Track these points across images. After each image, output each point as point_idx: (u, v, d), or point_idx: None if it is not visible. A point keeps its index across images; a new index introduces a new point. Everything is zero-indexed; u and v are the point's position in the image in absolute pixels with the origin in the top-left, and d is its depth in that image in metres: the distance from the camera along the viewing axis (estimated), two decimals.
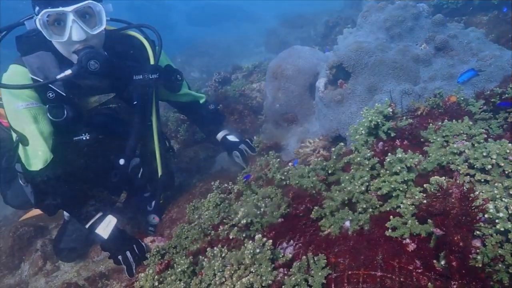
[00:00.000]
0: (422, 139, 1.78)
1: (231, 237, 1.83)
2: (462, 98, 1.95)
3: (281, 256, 1.55)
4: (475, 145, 1.57)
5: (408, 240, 1.35)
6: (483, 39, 2.56)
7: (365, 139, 1.85)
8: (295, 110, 3.09)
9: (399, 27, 2.62)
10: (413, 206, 1.42)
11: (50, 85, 2.31)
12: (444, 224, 1.24)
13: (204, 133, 3.52)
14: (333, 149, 1.95)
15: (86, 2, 2.12)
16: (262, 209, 1.82)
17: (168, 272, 1.89)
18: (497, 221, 1.23)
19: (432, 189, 1.45)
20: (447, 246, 1.23)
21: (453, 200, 1.28)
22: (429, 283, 1.19)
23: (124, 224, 3.25)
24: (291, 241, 1.64)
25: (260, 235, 1.60)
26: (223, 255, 1.71)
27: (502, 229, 1.21)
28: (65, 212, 3.10)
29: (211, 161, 3.96)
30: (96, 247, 3.25)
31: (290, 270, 1.44)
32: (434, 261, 1.26)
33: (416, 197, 1.45)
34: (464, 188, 1.31)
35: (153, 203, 2.99)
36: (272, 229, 1.75)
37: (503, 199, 1.30)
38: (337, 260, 1.38)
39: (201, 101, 3.23)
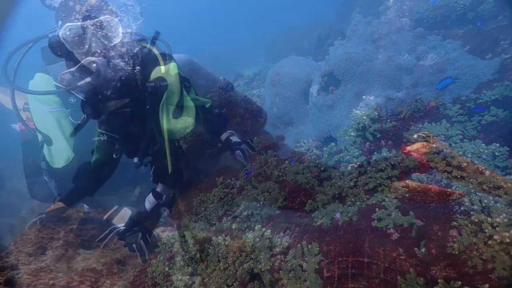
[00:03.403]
0: (404, 140, 1.78)
1: (233, 227, 1.84)
2: (440, 103, 1.95)
3: (278, 244, 1.55)
4: (452, 145, 1.57)
5: (392, 230, 1.35)
6: (459, 50, 2.57)
7: (353, 140, 1.85)
8: (291, 114, 3.09)
9: (384, 39, 2.63)
10: (397, 199, 1.42)
11: (71, 91, 2.31)
12: (424, 216, 1.25)
13: (209, 134, 3.52)
14: (325, 148, 1.95)
15: (104, 17, 2.12)
16: (261, 202, 1.83)
17: (177, 258, 1.89)
18: (471, 213, 1.23)
19: (413, 184, 1.45)
20: (427, 235, 1.23)
21: (432, 194, 1.28)
22: (411, 269, 1.19)
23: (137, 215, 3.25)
24: (287, 231, 1.64)
25: (259, 226, 1.60)
26: (226, 243, 1.71)
27: (476, 220, 1.21)
28: (85, 205, 3.10)
29: (216, 159, 3.95)
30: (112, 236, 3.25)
31: (287, 256, 1.44)
32: (416, 248, 1.26)
33: (399, 191, 1.45)
34: (442, 183, 1.31)
35: (164, 197, 2.99)
36: (270, 220, 1.75)
37: (477, 193, 1.30)
38: (328, 248, 1.38)
39: (207, 105, 3.23)
